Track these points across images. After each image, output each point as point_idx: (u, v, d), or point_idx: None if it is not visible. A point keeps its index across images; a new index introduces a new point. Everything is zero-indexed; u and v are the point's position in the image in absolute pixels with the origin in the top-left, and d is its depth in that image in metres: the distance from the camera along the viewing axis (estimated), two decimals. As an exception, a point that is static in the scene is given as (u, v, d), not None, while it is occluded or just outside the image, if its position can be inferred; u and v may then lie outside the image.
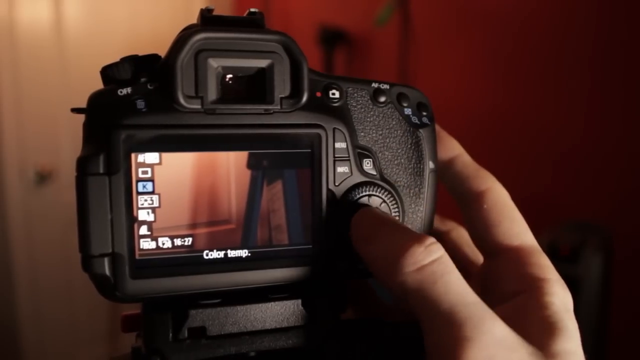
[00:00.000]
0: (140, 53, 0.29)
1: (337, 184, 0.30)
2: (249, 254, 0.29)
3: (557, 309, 0.26)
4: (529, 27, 1.49)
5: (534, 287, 0.27)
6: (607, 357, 1.27)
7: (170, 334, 0.27)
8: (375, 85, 0.31)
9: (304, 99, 0.29)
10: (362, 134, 0.31)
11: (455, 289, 0.24)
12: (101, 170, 0.26)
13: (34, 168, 2.11)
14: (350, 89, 0.31)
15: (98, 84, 0.28)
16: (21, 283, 2.10)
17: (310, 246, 0.29)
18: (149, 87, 0.27)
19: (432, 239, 0.26)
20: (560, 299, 0.27)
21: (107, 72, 0.28)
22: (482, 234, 0.31)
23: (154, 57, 0.28)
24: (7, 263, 2.06)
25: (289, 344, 0.29)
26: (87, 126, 0.27)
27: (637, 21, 1.27)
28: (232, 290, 0.28)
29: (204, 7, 0.29)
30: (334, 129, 0.30)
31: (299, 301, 0.30)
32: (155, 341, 0.27)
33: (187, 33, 0.27)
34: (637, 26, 1.27)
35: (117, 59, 0.28)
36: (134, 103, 0.27)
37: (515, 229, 0.30)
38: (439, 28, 1.74)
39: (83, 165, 0.26)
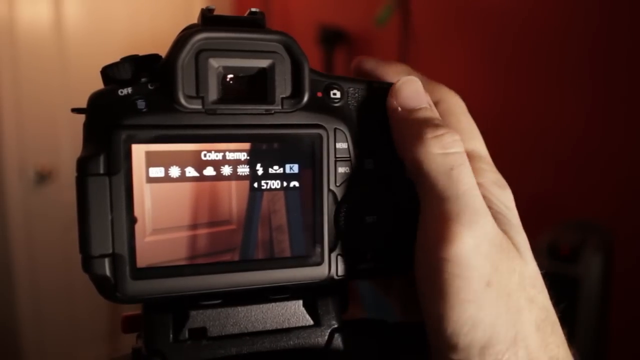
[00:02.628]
0: (140, 53, 0.29)
1: (338, 185, 0.30)
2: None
3: (497, 208, 0.29)
4: (529, 26, 1.48)
5: None
6: (607, 357, 1.26)
7: (171, 335, 0.27)
8: (376, 85, 0.31)
9: (305, 99, 0.29)
10: (363, 134, 0.31)
11: (466, 179, 0.27)
12: (101, 171, 0.26)
13: (34, 168, 2.11)
14: (351, 89, 0.31)
15: (98, 84, 0.28)
16: (21, 283, 2.10)
17: (311, 247, 0.29)
18: (149, 87, 0.27)
19: (457, 136, 0.28)
20: (497, 198, 0.29)
21: (108, 72, 0.28)
22: None
23: (154, 57, 0.28)
24: (7, 263, 2.06)
25: (290, 345, 0.29)
26: (87, 126, 0.27)
27: (638, 20, 1.27)
28: (233, 291, 0.28)
29: (203, 6, 0.29)
30: (335, 129, 0.30)
31: (300, 302, 0.29)
32: (156, 342, 0.27)
33: (187, 33, 0.27)
34: (638, 25, 1.27)
35: (117, 58, 0.28)
36: (134, 103, 0.27)
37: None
38: (439, 28, 1.73)
39: (83, 166, 0.26)
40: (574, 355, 0.29)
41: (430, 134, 0.28)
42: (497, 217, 0.28)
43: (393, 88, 0.30)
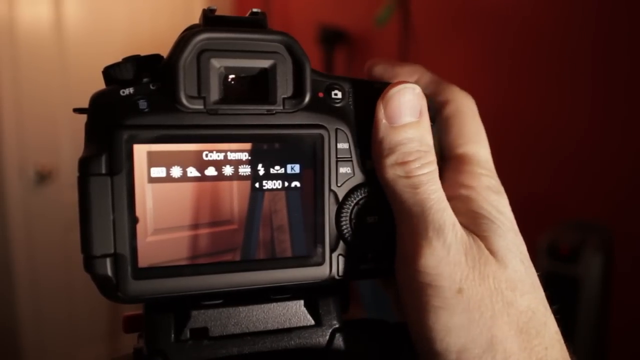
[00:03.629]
0: (141, 53, 0.29)
1: (339, 185, 0.30)
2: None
3: (485, 213, 0.29)
4: (529, 27, 1.48)
5: (460, 196, 0.30)
6: (607, 357, 1.27)
7: (173, 335, 0.27)
8: (377, 85, 0.31)
9: (307, 99, 0.29)
10: (364, 134, 0.31)
11: (432, 196, 0.28)
12: (103, 171, 0.26)
13: (34, 168, 2.10)
14: (352, 89, 0.31)
15: (98, 84, 0.28)
16: (21, 283, 2.10)
17: (313, 247, 0.29)
18: (151, 87, 0.27)
19: (430, 158, 0.29)
20: (489, 202, 0.30)
21: (110, 72, 0.28)
22: (438, 141, 0.33)
23: (156, 57, 0.28)
24: (7, 263, 2.06)
25: (291, 345, 0.29)
26: (89, 126, 0.27)
27: (638, 20, 1.27)
28: (234, 291, 0.28)
29: (203, 7, 0.29)
30: (337, 129, 0.30)
31: (301, 302, 0.30)
32: (158, 342, 0.27)
33: (189, 33, 0.27)
34: (638, 25, 1.27)
35: (117, 58, 0.28)
36: (136, 103, 0.27)
37: (461, 139, 0.32)
38: (439, 28, 1.73)
39: (85, 166, 0.26)
40: (571, 355, 0.29)
41: (400, 159, 0.28)
42: (482, 221, 0.29)
43: (384, 95, 0.29)
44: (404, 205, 0.28)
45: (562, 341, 0.29)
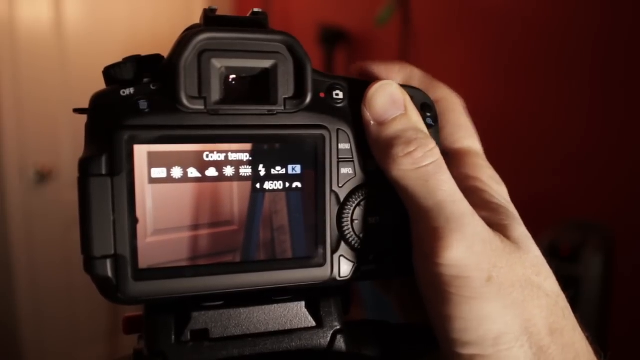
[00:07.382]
0: (141, 53, 0.29)
1: (340, 185, 0.30)
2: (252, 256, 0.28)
3: (498, 202, 0.30)
4: (529, 27, 1.48)
5: (470, 187, 0.30)
6: (607, 357, 1.26)
7: (173, 336, 0.27)
8: None
9: (308, 99, 0.29)
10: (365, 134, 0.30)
11: (444, 187, 0.28)
12: (104, 172, 0.26)
13: (34, 167, 2.10)
14: (353, 89, 0.31)
15: (98, 84, 0.28)
16: (21, 283, 2.10)
17: (314, 248, 0.29)
18: (152, 87, 0.27)
19: (432, 145, 0.29)
20: (497, 192, 0.31)
21: (110, 72, 0.27)
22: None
23: (156, 58, 0.28)
24: (7, 263, 2.06)
25: (293, 347, 0.29)
26: (89, 127, 0.27)
27: (638, 21, 1.27)
28: (235, 292, 0.28)
29: (203, 6, 0.28)
30: (338, 129, 0.30)
31: (302, 303, 0.29)
32: (158, 343, 0.27)
33: (190, 33, 0.27)
34: (638, 26, 1.27)
35: (117, 58, 0.28)
36: (136, 103, 0.27)
37: (457, 134, 0.32)
38: (440, 28, 1.73)
39: (85, 166, 0.26)
40: (587, 338, 0.30)
41: (401, 152, 0.28)
42: (499, 210, 0.29)
43: (365, 97, 0.30)
44: (417, 201, 0.28)
45: (579, 324, 0.29)
